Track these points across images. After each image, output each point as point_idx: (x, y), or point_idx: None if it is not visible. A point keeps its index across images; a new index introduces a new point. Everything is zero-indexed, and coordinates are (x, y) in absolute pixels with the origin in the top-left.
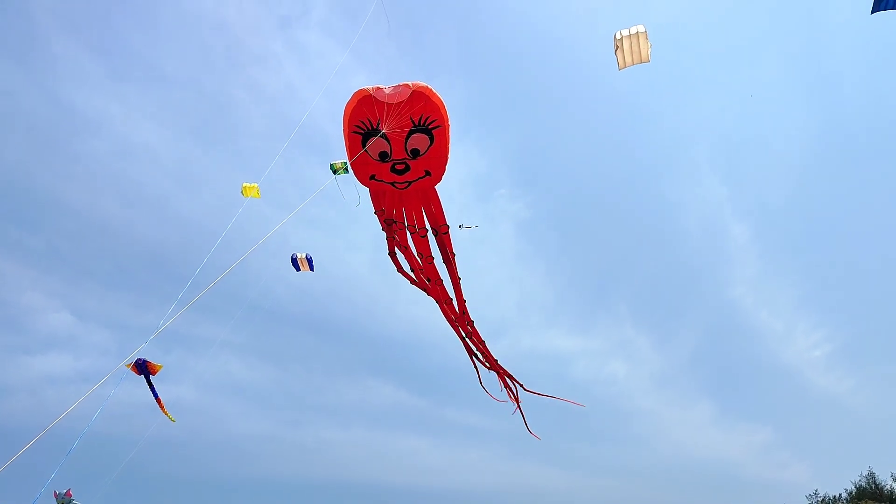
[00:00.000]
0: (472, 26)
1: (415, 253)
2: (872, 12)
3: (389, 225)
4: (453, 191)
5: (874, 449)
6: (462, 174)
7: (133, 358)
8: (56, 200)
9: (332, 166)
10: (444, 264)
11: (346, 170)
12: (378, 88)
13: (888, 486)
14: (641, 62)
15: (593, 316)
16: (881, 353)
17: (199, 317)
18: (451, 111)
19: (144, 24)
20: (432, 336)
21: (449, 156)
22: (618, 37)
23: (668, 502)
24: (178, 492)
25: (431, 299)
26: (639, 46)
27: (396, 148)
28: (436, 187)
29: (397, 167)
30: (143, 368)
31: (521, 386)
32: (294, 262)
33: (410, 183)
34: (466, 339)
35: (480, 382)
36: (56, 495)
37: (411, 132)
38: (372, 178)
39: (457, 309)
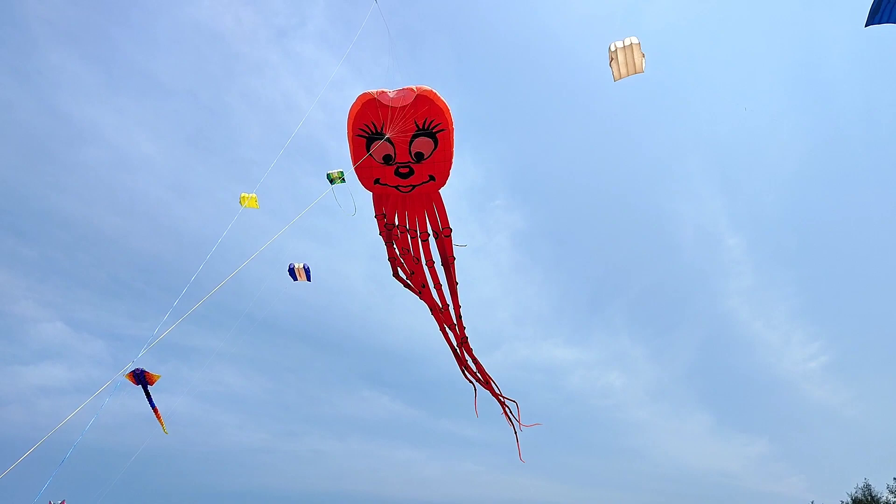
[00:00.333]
0: (469, 37)
1: (413, 258)
2: (867, 25)
3: (390, 229)
4: (449, 201)
5: (870, 460)
6: (458, 185)
7: (131, 367)
8: (50, 210)
9: (328, 175)
10: (442, 268)
11: (342, 179)
12: (382, 92)
13: (884, 498)
14: (636, 73)
15: (589, 327)
16: (876, 365)
17: (194, 327)
18: None
19: (141, 33)
20: (428, 347)
21: (453, 159)
22: (612, 49)
23: None
24: (173, 503)
25: (426, 309)
26: (633, 58)
27: (400, 151)
28: (440, 191)
29: (401, 170)
30: (140, 378)
31: (500, 400)
32: (291, 271)
33: (414, 187)
34: (457, 349)
35: (475, 406)
36: None
37: (415, 136)
38: (376, 181)
39: (452, 316)
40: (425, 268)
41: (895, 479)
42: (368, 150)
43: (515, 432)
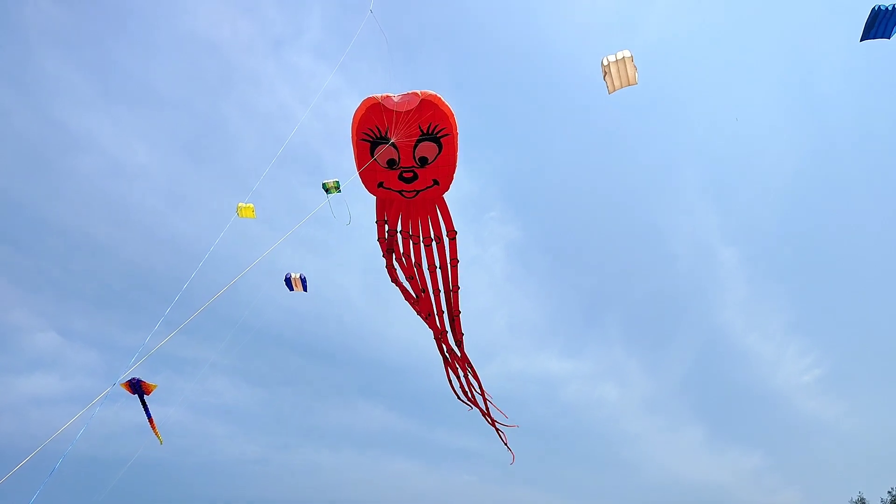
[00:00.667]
0: (465, 48)
1: (413, 263)
2: (861, 40)
3: (390, 235)
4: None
5: (864, 473)
6: (453, 196)
7: (127, 377)
8: (44, 218)
9: (324, 185)
10: (440, 270)
11: (338, 189)
12: (387, 96)
13: None
14: (630, 85)
15: (584, 339)
16: (871, 378)
17: (187, 338)
18: None
19: (138, 43)
20: (423, 358)
21: (457, 164)
22: (605, 63)
23: None
24: None
25: (421, 318)
26: (626, 70)
27: (405, 156)
28: (444, 195)
29: (405, 175)
30: (137, 387)
31: (484, 413)
32: (287, 281)
33: (418, 192)
34: (447, 356)
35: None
36: None
37: (420, 140)
38: (380, 185)
39: (447, 320)
40: (426, 273)
41: (889, 492)
42: (372, 154)
43: (499, 432)
